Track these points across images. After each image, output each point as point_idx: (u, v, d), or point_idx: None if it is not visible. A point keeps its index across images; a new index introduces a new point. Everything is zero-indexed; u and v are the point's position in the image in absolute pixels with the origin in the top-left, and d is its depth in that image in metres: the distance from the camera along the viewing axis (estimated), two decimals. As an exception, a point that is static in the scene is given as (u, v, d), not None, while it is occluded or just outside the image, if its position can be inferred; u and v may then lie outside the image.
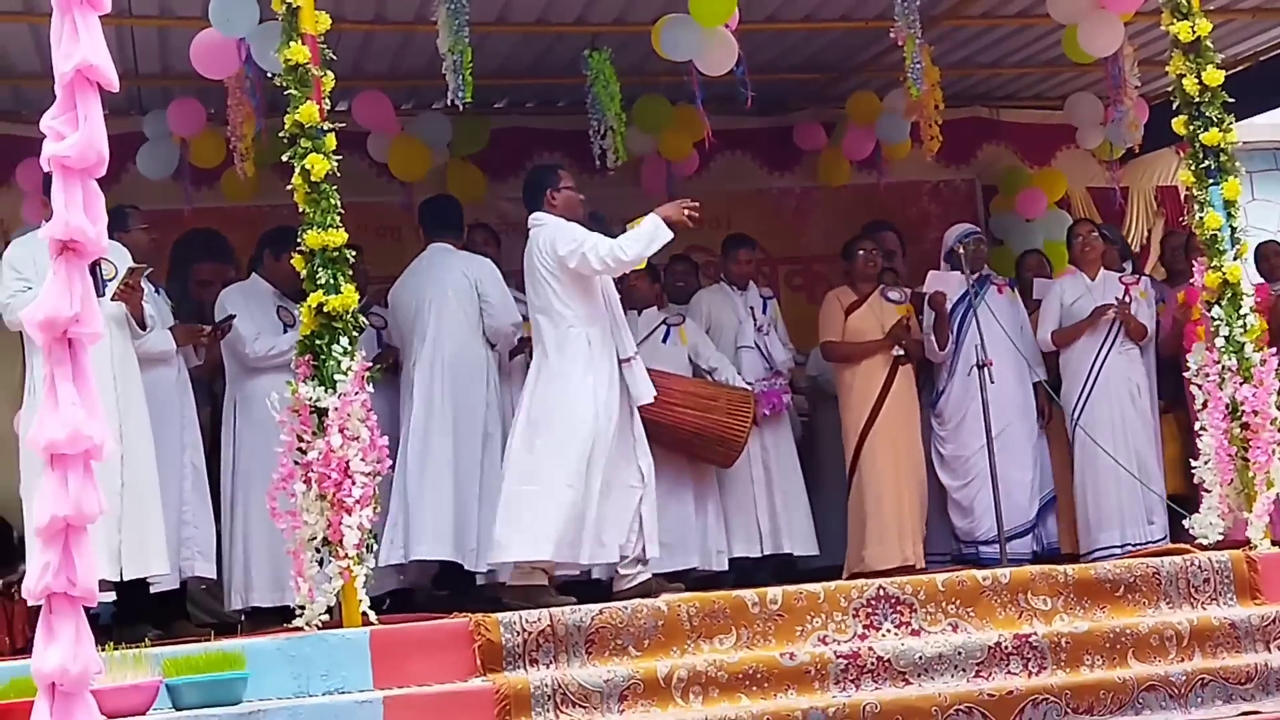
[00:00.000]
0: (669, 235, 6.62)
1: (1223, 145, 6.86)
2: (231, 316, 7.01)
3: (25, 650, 6.17)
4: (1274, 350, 6.82)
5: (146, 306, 6.46)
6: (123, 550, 6.11)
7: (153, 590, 6.40)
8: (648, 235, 6.57)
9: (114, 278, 6.32)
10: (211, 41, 6.99)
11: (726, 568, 7.92)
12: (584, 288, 6.65)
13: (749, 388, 7.93)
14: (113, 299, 6.30)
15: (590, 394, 6.55)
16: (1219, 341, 6.76)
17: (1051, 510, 8.40)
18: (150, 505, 6.27)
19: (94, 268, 6.11)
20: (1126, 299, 8.21)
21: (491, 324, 7.33)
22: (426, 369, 7.25)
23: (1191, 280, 7.01)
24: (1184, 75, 6.88)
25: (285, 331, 7.05)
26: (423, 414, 7.19)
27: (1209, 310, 6.84)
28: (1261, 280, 8.45)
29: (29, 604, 3.93)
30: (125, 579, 6.15)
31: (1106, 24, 7.89)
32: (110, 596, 6.14)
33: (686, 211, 6.63)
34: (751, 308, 8.37)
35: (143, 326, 6.43)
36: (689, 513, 7.78)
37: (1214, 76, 6.84)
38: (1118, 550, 7.92)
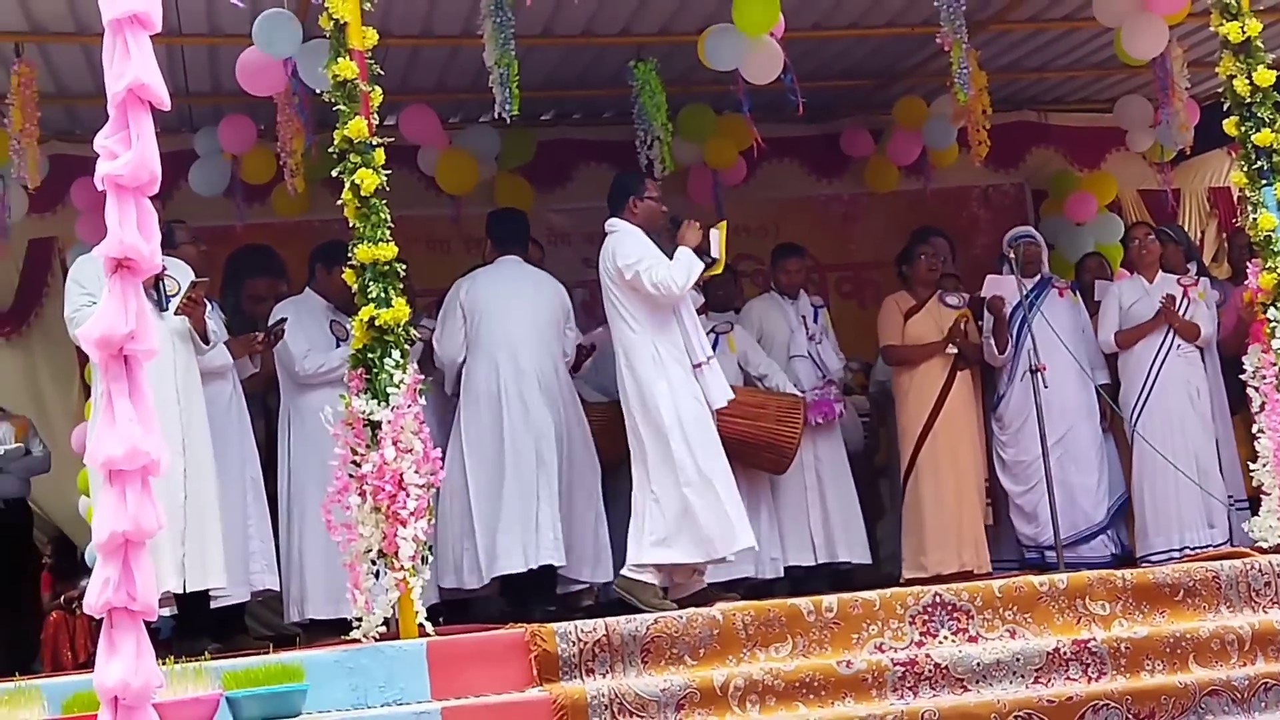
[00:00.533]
0: (701, 265, 6.73)
1: (1275, 146, 6.81)
2: (283, 320, 7.05)
3: (88, 665, 6.24)
4: (1329, 352, 6.75)
5: (209, 321, 6.52)
6: (186, 563, 6.16)
7: (214, 604, 6.43)
8: (685, 267, 6.68)
9: (176, 293, 6.38)
10: (257, 60, 7.05)
11: (782, 574, 7.90)
12: (646, 297, 6.68)
13: (800, 394, 7.91)
14: (175, 314, 6.36)
15: (667, 395, 6.60)
16: (1275, 343, 6.69)
17: (1125, 513, 8.32)
18: (210, 518, 6.32)
19: (157, 283, 6.21)
20: (1184, 301, 8.14)
21: (568, 349, 7.43)
22: (529, 381, 7.23)
23: (1247, 282, 6.96)
24: (1234, 76, 6.84)
25: (338, 345, 7.09)
26: (536, 425, 7.18)
27: (1265, 312, 6.78)
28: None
29: (90, 619, 3.96)
30: (187, 591, 6.19)
31: (1151, 26, 7.84)
32: (171, 610, 6.19)
33: (697, 225, 6.82)
34: (803, 316, 8.35)
35: (205, 341, 6.49)
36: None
37: (1265, 77, 6.79)
38: (1176, 554, 7.85)
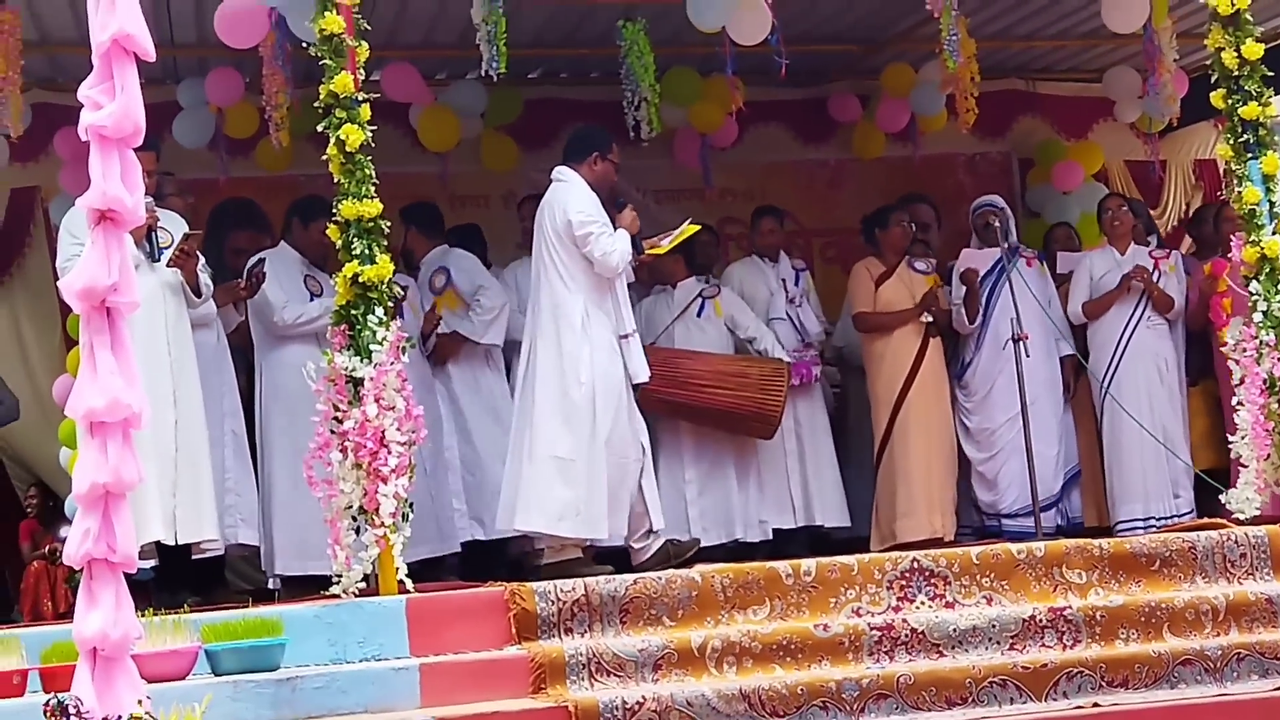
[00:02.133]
0: (631, 254, 6.69)
1: (1261, 119, 6.82)
2: (262, 261, 7.00)
3: (67, 615, 6.25)
4: (1312, 325, 6.78)
5: (201, 275, 6.50)
6: (177, 515, 6.15)
7: (195, 557, 6.43)
8: (624, 252, 6.63)
9: (170, 245, 6.36)
10: (238, 8, 6.96)
11: (770, 537, 7.93)
12: (585, 259, 6.61)
13: (786, 358, 7.91)
14: (168, 265, 6.33)
15: (587, 364, 6.52)
16: (1257, 316, 6.72)
17: (1076, 485, 8.37)
18: (203, 471, 6.31)
19: (150, 234, 6.20)
20: (1155, 272, 8.17)
21: None
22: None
23: (1229, 255, 6.98)
24: (1223, 48, 6.84)
25: (312, 300, 7.07)
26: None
27: (1246, 285, 6.80)
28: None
29: (71, 569, 3.97)
30: (180, 543, 6.19)
31: (1131, -1, 7.83)
32: (152, 563, 6.19)
33: (635, 215, 6.78)
34: (783, 279, 8.34)
35: (197, 293, 6.46)
36: (731, 486, 7.81)
37: (1253, 50, 6.80)
38: (1140, 524, 7.91)
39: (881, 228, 8.29)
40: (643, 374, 6.68)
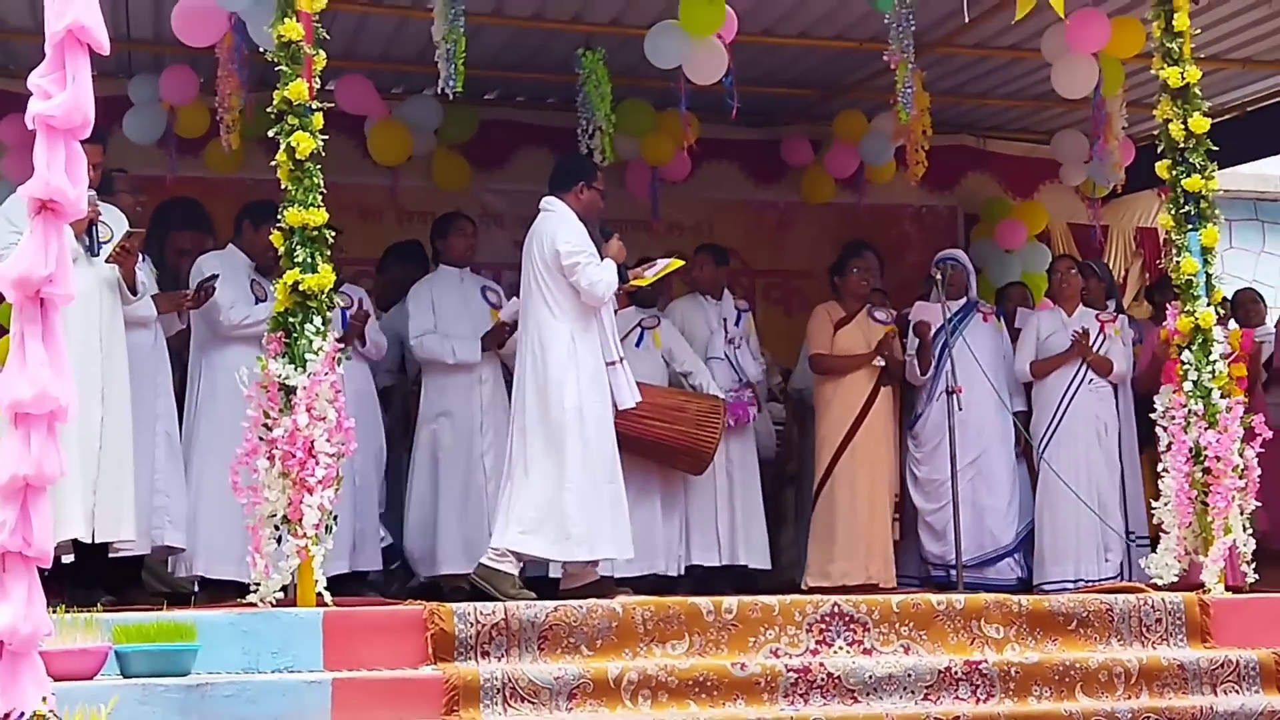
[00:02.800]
0: (617, 283, 6.73)
1: (1204, 192, 6.92)
2: (214, 277, 6.96)
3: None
4: (1241, 399, 6.87)
5: (139, 272, 6.44)
6: (96, 512, 6.07)
7: (112, 555, 6.35)
8: (611, 282, 6.67)
9: (109, 240, 6.30)
10: (197, 7, 6.91)
11: (683, 572, 7.93)
12: (572, 288, 6.64)
13: (721, 395, 7.94)
14: (107, 261, 6.27)
15: (573, 389, 6.54)
16: (1187, 386, 6.81)
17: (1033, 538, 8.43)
18: (125, 470, 6.23)
19: (90, 228, 6.14)
20: (1100, 336, 8.26)
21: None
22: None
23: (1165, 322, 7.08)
24: (1171, 120, 6.94)
25: (257, 304, 7.02)
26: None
27: (1179, 354, 6.90)
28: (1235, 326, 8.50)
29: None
30: (97, 541, 6.11)
31: (1081, 65, 7.93)
32: (69, 558, 6.10)
33: (621, 243, 6.85)
34: (725, 319, 8.36)
35: (133, 291, 6.40)
36: (656, 518, 7.80)
37: (1200, 124, 6.90)
38: (1070, 584, 7.97)
39: (839, 274, 8.36)
40: (630, 400, 6.73)
